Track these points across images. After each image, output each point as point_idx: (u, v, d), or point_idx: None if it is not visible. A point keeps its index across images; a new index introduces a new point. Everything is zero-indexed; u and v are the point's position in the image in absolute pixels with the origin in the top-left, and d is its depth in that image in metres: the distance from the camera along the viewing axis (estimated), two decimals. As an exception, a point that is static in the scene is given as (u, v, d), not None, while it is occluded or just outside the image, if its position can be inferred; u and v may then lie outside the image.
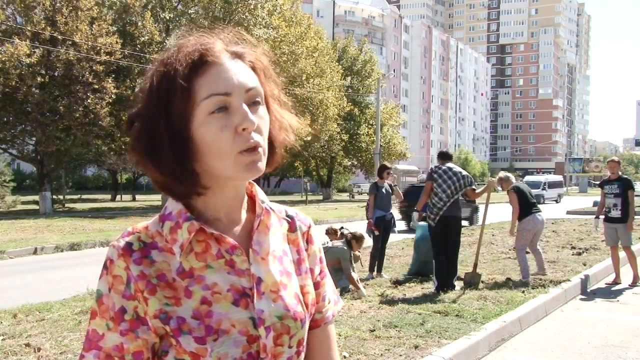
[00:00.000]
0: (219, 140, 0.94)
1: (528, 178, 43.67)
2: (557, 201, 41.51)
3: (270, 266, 1.03)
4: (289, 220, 1.14)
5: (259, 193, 1.09)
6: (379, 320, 5.66)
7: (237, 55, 0.99)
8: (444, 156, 7.73)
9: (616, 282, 8.55)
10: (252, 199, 1.09)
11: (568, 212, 26.24)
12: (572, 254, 10.72)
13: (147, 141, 0.96)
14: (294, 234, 1.13)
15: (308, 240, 1.15)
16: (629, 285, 8.42)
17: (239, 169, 0.96)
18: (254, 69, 1.00)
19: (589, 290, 8.22)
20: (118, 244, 0.98)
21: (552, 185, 42.26)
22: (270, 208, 1.09)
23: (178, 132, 0.95)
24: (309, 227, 1.16)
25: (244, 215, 1.07)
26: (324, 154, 39.95)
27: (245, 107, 0.95)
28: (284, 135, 1.06)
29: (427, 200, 7.57)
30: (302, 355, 1.06)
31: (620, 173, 8.73)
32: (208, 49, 0.96)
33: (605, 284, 8.58)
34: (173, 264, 0.98)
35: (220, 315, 0.96)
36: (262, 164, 0.98)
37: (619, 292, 8.07)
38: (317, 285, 1.14)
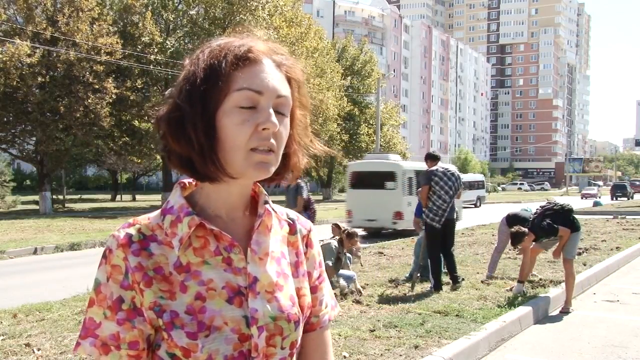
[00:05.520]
0: (238, 133, 0.95)
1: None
2: (475, 205, 35.81)
3: (268, 266, 1.04)
4: (290, 222, 1.14)
5: (263, 194, 1.09)
6: (379, 320, 5.66)
7: (278, 64, 1.01)
8: (435, 158, 7.84)
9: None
10: (255, 199, 1.10)
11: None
12: (572, 254, 10.70)
13: (180, 116, 0.97)
14: (294, 237, 1.13)
15: (308, 244, 1.15)
16: None
17: (248, 166, 0.97)
18: (289, 81, 1.02)
19: (593, 293, 8.22)
20: (118, 234, 0.99)
21: (467, 186, 34.50)
22: (273, 209, 1.10)
23: (210, 112, 0.97)
24: (309, 231, 1.17)
25: (245, 214, 1.07)
26: (324, 154, 39.89)
27: (271, 109, 0.97)
28: (299, 155, 1.07)
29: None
30: (295, 358, 1.07)
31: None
32: (254, 47, 0.99)
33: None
34: (171, 258, 0.99)
35: (214, 311, 0.97)
36: (272, 168, 0.99)
37: (619, 293, 8.07)
38: (314, 289, 1.14)
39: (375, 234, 16.16)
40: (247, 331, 0.98)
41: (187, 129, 0.96)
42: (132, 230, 1.00)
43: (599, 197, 47.11)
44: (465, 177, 39.32)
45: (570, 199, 45.58)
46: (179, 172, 1.02)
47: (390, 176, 16.03)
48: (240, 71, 0.96)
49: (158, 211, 1.05)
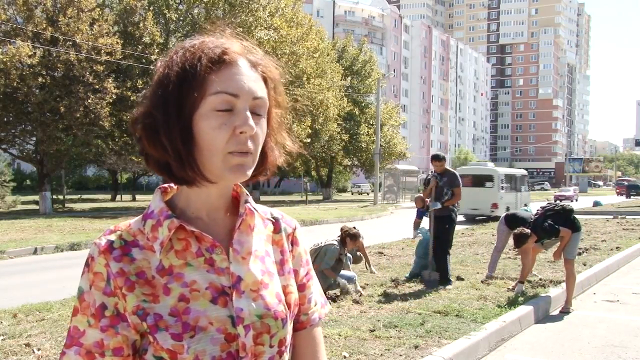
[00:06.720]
0: (215, 136, 0.95)
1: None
2: None
3: (251, 265, 1.04)
4: (274, 221, 1.14)
5: (244, 194, 1.09)
6: (379, 320, 5.66)
7: (253, 64, 1.01)
8: (444, 159, 8.27)
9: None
10: (237, 199, 1.10)
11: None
12: (572, 254, 10.70)
13: (154, 122, 0.97)
14: (279, 235, 1.13)
15: (293, 242, 1.15)
16: None
17: (225, 169, 0.97)
18: (265, 80, 1.02)
19: (593, 293, 8.22)
20: (99, 241, 1.00)
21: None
22: (254, 209, 1.10)
23: (185, 116, 0.96)
24: (294, 229, 1.17)
25: (227, 214, 1.07)
26: (324, 154, 39.93)
27: (248, 112, 0.97)
28: (275, 153, 1.07)
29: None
30: (285, 355, 1.06)
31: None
32: (229, 49, 0.98)
33: None
34: (153, 262, 0.99)
35: (198, 312, 0.97)
36: (249, 170, 0.99)
37: (619, 293, 8.07)
38: (302, 287, 1.14)
39: (471, 220, 22.02)
40: (234, 331, 0.98)
41: (162, 136, 0.96)
42: (113, 237, 1.01)
43: (576, 200, 43.33)
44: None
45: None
46: (158, 175, 1.02)
47: (489, 178, 22.38)
48: (216, 74, 0.96)
49: (139, 217, 1.05)
